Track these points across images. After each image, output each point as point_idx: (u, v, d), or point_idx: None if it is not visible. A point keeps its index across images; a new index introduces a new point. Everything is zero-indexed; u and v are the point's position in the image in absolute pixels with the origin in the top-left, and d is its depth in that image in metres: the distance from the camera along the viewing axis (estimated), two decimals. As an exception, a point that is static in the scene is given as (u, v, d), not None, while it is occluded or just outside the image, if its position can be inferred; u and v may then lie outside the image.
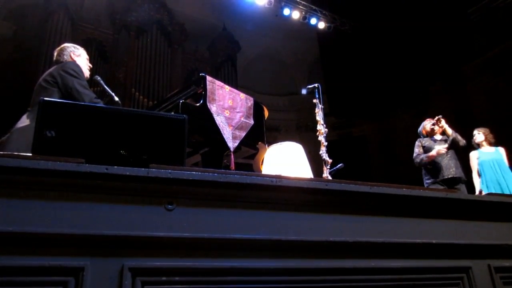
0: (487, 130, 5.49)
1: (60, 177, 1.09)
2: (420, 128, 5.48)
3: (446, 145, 4.96)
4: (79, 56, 3.24)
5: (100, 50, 10.34)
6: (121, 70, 10.29)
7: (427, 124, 5.35)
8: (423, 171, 5.23)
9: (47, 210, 1.08)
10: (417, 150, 5.23)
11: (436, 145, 5.10)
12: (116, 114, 1.46)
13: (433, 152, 4.93)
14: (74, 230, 1.07)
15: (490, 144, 5.43)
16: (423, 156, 5.06)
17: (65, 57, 3.19)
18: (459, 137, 5.01)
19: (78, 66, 3.05)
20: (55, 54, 3.25)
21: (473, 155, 5.48)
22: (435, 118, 5.18)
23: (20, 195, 1.06)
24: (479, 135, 5.46)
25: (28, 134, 2.27)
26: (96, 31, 10.47)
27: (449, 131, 5.07)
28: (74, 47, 3.28)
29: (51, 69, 3.03)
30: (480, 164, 5.37)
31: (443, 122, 5.13)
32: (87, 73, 3.24)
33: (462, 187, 4.93)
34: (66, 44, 3.33)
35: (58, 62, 3.17)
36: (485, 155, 5.36)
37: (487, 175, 5.22)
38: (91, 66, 3.37)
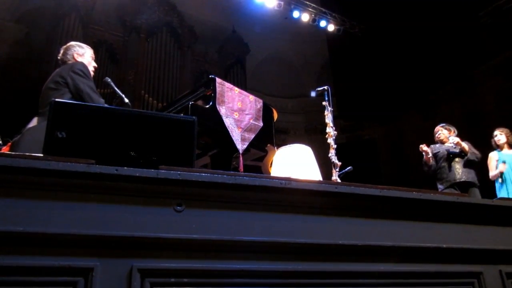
0: (508, 132, 5.24)
1: (70, 177, 1.10)
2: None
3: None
4: (83, 56, 3.21)
5: (110, 52, 10.42)
6: (131, 72, 10.35)
7: (440, 132, 5.31)
8: (436, 176, 5.19)
9: (57, 211, 1.08)
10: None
11: (446, 148, 5.12)
12: (126, 116, 1.47)
13: (428, 156, 5.05)
14: (84, 230, 1.08)
15: (509, 146, 5.19)
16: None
17: (68, 56, 3.17)
18: (474, 155, 4.99)
19: (86, 67, 3.03)
20: (61, 52, 3.24)
21: (493, 156, 5.20)
22: (456, 142, 5.08)
23: (30, 195, 1.07)
24: (501, 136, 5.19)
25: (40, 135, 2.29)
26: (106, 33, 10.55)
27: (466, 147, 5.01)
28: (79, 46, 3.26)
29: (59, 70, 3.02)
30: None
31: (459, 141, 5.07)
32: (91, 73, 3.20)
33: (476, 192, 4.86)
34: (71, 43, 3.31)
35: (63, 61, 3.17)
36: (506, 157, 5.09)
37: (509, 178, 5.00)
38: (96, 66, 3.33)
